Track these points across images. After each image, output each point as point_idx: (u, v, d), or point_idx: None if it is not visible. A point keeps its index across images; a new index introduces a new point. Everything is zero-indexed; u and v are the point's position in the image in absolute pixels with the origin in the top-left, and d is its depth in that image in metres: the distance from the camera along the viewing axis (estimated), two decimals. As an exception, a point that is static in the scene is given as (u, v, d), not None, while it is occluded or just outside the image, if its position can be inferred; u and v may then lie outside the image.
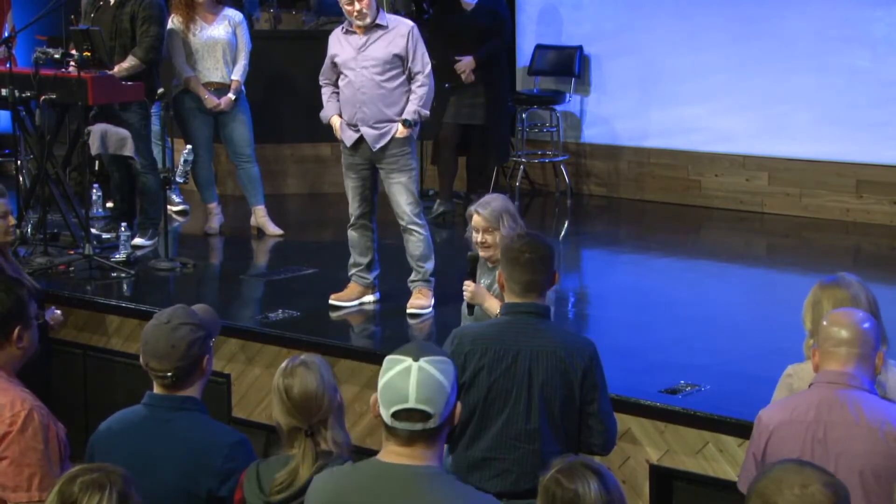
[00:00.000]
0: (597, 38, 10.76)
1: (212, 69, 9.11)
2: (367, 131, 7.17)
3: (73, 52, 8.31)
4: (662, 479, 5.82)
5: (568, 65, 10.78)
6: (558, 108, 10.82)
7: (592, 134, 10.90)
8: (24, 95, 8.21)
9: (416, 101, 7.17)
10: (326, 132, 9.82)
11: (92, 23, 8.68)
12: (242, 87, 9.23)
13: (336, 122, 7.27)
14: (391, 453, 3.20)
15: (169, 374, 3.97)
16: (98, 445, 4.05)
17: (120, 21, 8.67)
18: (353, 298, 7.46)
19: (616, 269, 8.98)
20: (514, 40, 10.82)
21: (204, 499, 3.89)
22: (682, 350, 6.72)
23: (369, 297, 7.49)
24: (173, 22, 9.10)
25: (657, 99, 10.49)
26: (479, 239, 5.47)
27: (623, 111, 10.71)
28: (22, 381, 4.15)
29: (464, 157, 10.28)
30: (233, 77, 9.11)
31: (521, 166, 10.74)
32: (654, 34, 10.45)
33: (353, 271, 7.47)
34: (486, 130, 9.97)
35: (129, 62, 8.58)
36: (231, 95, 9.07)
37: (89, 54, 8.25)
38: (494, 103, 9.94)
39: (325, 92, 7.34)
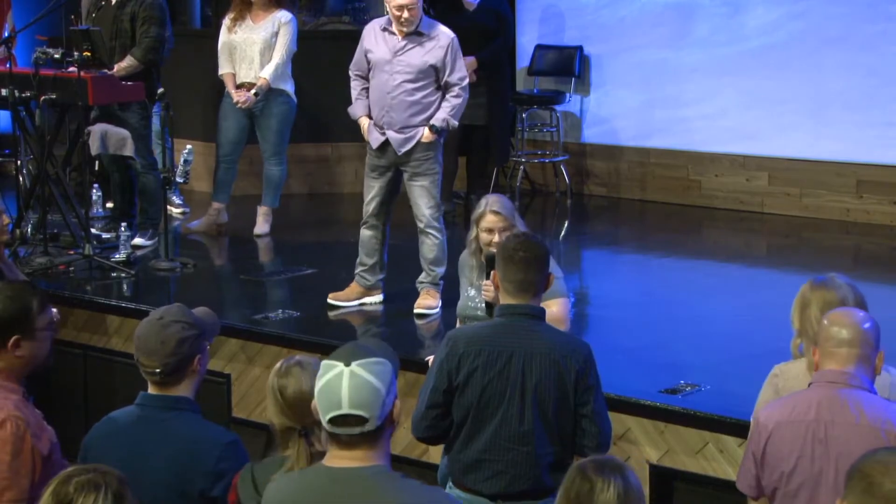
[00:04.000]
0: (597, 38, 10.75)
1: (246, 69, 9.12)
2: (392, 135, 7.14)
3: (74, 52, 8.31)
4: (662, 479, 5.81)
5: (568, 65, 10.77)
6: (558, 108, 10.81)
7: (592, 134, 10.90)
8: (24, 95, 8.20)
9: (448, 109, 7.14)
10: (328, 132, 9.82)
11: (93, 23, 8.68)
12: (290, 88, 9.19)
13: (365, 122, 7.23)
14: (335, 457, 3.21)
15: (157, 370, 3.97)
16: (91, 446, 4.05)
17: (120, 21, 8.67)
18: (353, 299, 7.43)
19: (616, 269, 8.98)
20: (514, 40, 10.81)
21: (196, 499, 3.90)
22: (682, 350, 6.71)
23: (369, 299, 7.45)
24: (226, 19, 9.19)
25: (657, 99, 10.48)
26: (495, 239, 5.44)
27: (623, 111, 10.71)
28: (20, 385, 4.10)
29: (464, 157, 10.28)
30: (260, 75, 9.10)
31: (522, 166, 10.74)
32: (655, 34, 10.45)
33: (357, 270, 7.45)
34: (486, 130, 9.96)
35: (127, 62, 8.59)
36: (252, 93, 9.05)
37: (89, 54, 8.25)
38: (495, 103, 9.93)
39: (355, 86, 7.28)
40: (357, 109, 7.28)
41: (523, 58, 11.05)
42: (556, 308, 5.32)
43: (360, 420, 3.14)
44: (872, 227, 9.51)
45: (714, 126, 10.23)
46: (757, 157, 10.08)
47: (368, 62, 7.19)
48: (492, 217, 5.50)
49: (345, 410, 3.14)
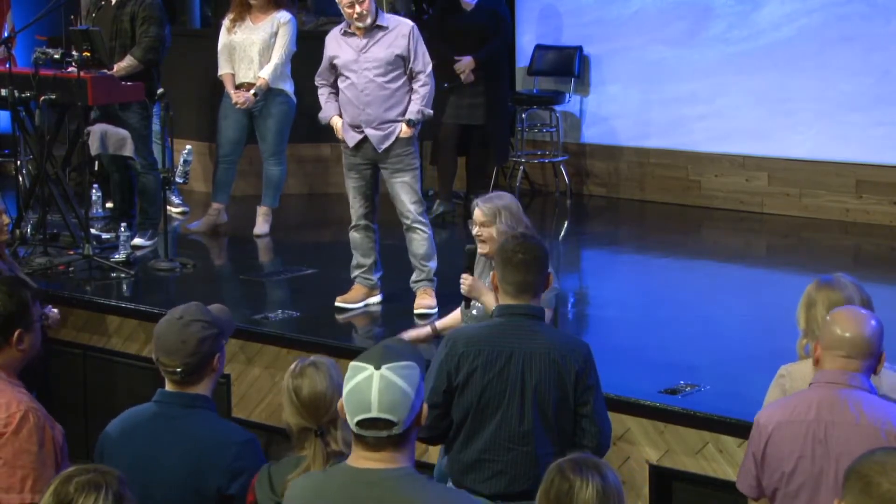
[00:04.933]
0: (597, 38, 10.75)
1: (245, 69, 9.13)
2: (371, 133, 7.16)
3: (73, 52, 8.31)
4: (662, 479, 5.81)
5: (568, 65, 10.78)
6: (558, 108, 10.81)
7: (592, 134, 10.90)
8: (23, 96, 8.20)
9: (419, 100, 7.17)
10: (326, 132, 9.83)
11: (92, 23, 8.69)
12: (289, 89, 9.20)
13: (337, 122, 7.26)
14: (360, 458, 3.20)
15: (178, 369, 3.99)
16: (108, 443, 4.06)
17: (120, 21, 8.67)
18: (360, 300, 7.44)
19: (616, 269, 8.98)
20: (513, 40, 10.82)
21: (212, 496, 3.91)
22: (682, 350, 6.71)
23: (374, 299, 7.47)
24: (225, 20, 9.21)
25: (657, 99, 10.48)
26: (475, 231, 5.53)
27: (623, 111, 10.71)
28: (21, 381, 4.15)
29: (463, 157, 10.29)
30: (259, 74, 9.10)
31: (521, 166, 10.74)
32: (654, 34, 10.45)
33: (356, 273, 7.46)
34: (485, 130, 9.97)
35: (127, 62, 8.59)
36: (251, 93, 9.06)
37: (89, 54, 8.25)
38: (494, 103, 9.93)
39: (323, 93, 7.32)
40: (327, 112, 7.31)
41: (523, 58, 11.05)
42: None
43: (388, 424, 3.14)
44: (872, 227, 9.52)
45: (713, 126, 10.23)
46: (756, 157, 10.08)
47: (335, 68, 7.22)
48: (476, 209, 5.57)
49: (373, 414, 3.14)
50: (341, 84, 7.23)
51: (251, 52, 9.11)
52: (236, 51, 9.15)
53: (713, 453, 5.65)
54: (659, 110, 10.49)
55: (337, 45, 7.23)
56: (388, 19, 7.23)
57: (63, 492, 3.03)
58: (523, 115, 10.82)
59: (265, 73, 9.06)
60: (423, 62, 7.18)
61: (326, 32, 7.32)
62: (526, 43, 11.02)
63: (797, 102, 9.83)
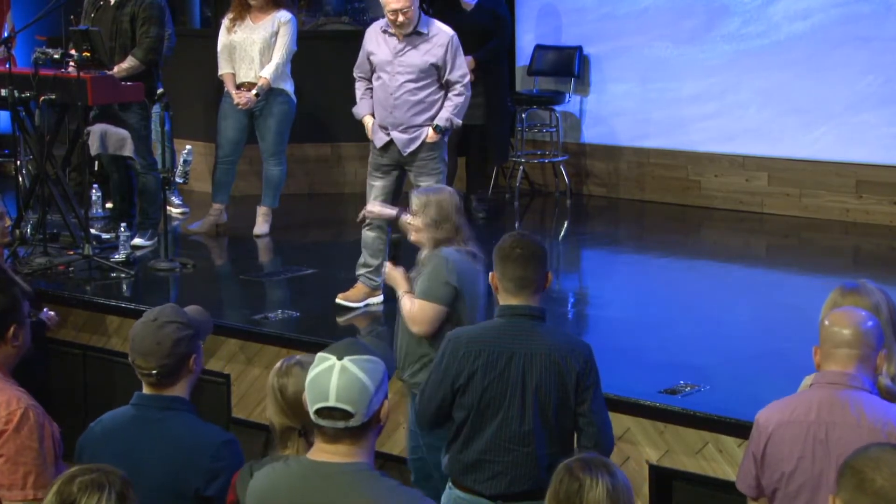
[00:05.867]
0: (597, 38, 10.75)
1: (246, 69, 9.13)
2: (397, 135, 7.17)
3: (73, 52, 8.31)
4: (662, 479, 5.82)
5: (567, 65, 10.78)
6: (558, 108, 10.81)
7: (592, 134, 10.90)
8: (23, 96, 8.19)
9: (451, 108, 7.17)
10: (327, 133, 9.84)
11: (92, 23, 8.68)
12: (289, 88, 9.20)
13: (368, 122, 7.27)
14: (319, 451, 3.25)
15: (154, 371, 3.98)
16: (87, 445, 4.06)
17: (120, 22, 8.67)
18: (361, 299, 7.43)
19: (616, 269, 8.98)
20: (513, 40, 10.82)
21: (191, 498, 3.90)
22: (682, 350, 6.71)
23: (375, 299, 7.46)
24: (225, 19, 9.22)
25: (657, 99, 10.49)
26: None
27: (623, 111, 10.71)
28: (19, 382, 4.17)
29: (463, 158, 10.28)
30: (261, 74, 9.11)
31: (521, 167, 10.74)
32: (654, 34, 10.45)
33: (361, 271, 7.44)
34: (485, 130, 9.97)
35: (128, 63, 8.59)
36: (253, 93, 9.06)
37: (89, 55, 8.25)
38: (494, 103, 9.94)
39: (360, 87, 7.33)
40: (361, 109, 7.33)
41: (523, 58, 11.05)
42: (414, 307, 5.32)
43: (345, 414, 3.18)
44: (872, 227, 9.51)
45: (714, 126, 10.23)
46: (756, 157, 10.08)
47: (371, 64, 7.22)
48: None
49: (331, 403, 3.18)
50: (375, 82, 7.24)
51: (252, 52, 9.11)
52: (236, 50, 9.14)
53: (713, 453, 5.65)
54: (658, 110, 10.49)
55: (375, 42, 7.22)
56: (429, 25, 7.19)
57: (66, 491, 3.04)
58: (523, 115, 10.82)
59: (266, 73, 9.05)
60: (460, 73, 7.18)
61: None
62: (526, 43, 11.02)
63: (797, 102, 9.83)
